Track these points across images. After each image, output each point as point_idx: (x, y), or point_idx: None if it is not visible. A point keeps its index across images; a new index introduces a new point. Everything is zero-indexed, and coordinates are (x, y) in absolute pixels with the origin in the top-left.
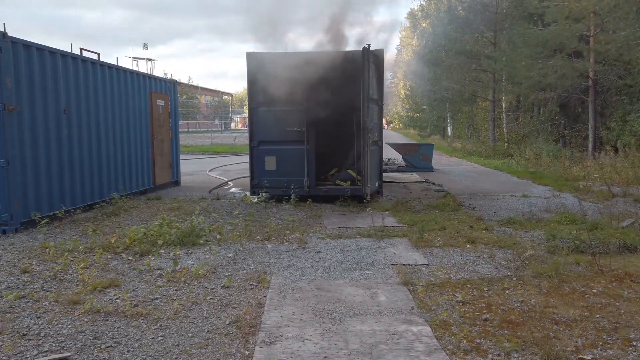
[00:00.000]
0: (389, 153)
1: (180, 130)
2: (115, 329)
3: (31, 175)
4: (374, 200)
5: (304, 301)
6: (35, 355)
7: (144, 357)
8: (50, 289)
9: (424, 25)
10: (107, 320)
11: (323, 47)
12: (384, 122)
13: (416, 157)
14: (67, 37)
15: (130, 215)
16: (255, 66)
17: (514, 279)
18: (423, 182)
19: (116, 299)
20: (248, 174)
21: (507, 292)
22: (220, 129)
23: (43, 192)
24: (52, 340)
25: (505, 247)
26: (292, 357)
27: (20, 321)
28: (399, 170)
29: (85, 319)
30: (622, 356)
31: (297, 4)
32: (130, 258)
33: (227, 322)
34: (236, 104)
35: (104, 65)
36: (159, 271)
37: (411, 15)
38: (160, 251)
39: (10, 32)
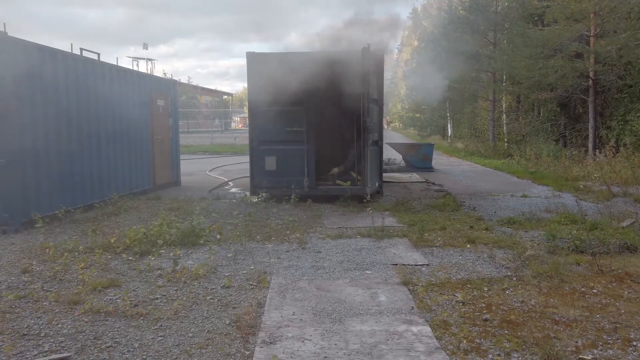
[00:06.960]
0: (389, 153)
1: (180, 130)
2: (115, 329)
3: (31, 175)
4: (374, 200)
5: (304, 301)
6: (35, 355)
7: (144, 357)
8: (50, 289)
9: (425, 24)
10: (107, 320)
11: (323, 46)
12: (384, 122)
13: (416, 157)
14: (68, 36)
15: (130, 215)
16: (256, 66)
17: (514, 279)
18: (423, 182)
19: (116, 299)
20: (248, 174)
21: (507, 292)
22: (220, 129)
23: (43, 192)
24: (52, 340)
25: (505, 247)
26: (292, 357)
27: (20, 321)
28: (399, 170)
29: (85, 319)
30: (622, 356)
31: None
32: (130, 258)
33: (227, 322)
34: (236, 104)
35: (104, 65)
36: (159, 271)
37: (414, 12)
38: (160, 251)
39: (10, 32)
